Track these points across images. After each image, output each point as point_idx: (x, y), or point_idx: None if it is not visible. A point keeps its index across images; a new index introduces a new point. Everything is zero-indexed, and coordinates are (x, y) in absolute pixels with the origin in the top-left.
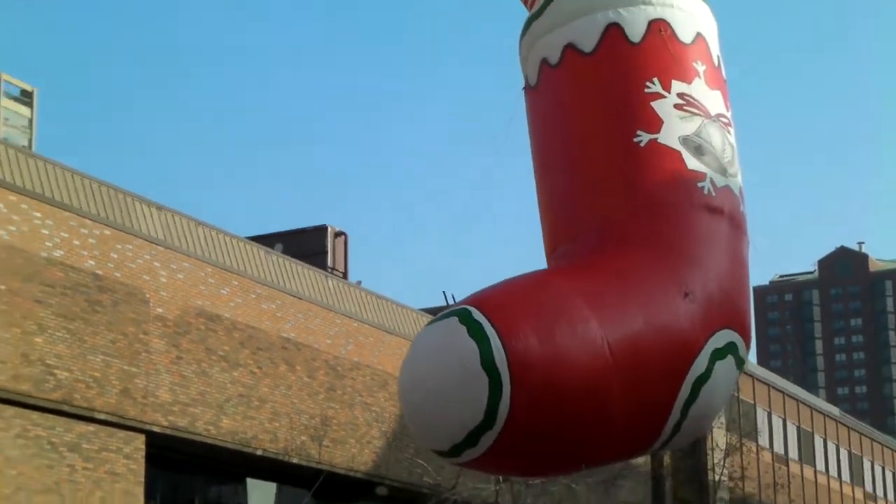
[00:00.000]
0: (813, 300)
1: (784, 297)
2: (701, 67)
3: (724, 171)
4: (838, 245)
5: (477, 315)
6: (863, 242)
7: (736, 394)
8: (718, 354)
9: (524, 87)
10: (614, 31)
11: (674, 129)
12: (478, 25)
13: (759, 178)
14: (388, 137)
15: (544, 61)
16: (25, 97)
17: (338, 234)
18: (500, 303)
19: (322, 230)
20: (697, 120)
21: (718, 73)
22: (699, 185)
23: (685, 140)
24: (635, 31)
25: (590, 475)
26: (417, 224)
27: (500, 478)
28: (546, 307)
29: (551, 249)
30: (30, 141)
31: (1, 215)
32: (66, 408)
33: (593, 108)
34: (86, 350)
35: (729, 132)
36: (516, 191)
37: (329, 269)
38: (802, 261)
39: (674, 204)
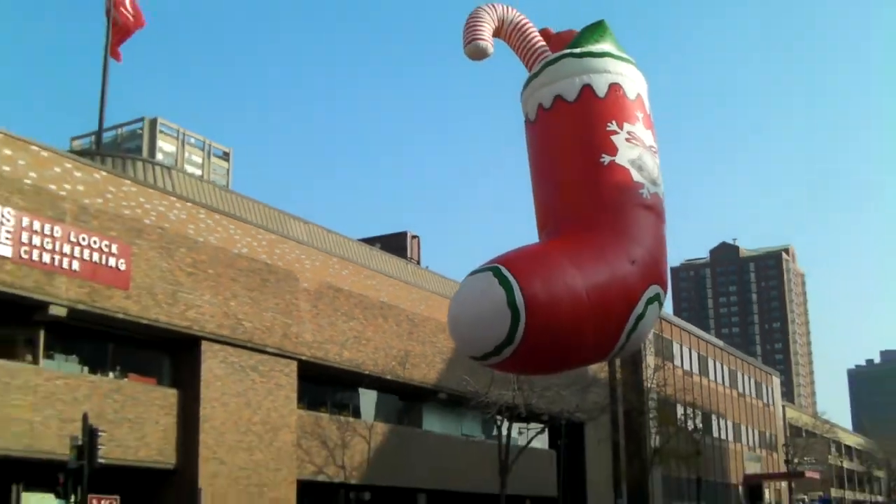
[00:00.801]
0: (706, 276)
1: (689, 273)
2: (640, 115)
3: (654, 183)
4: (721, 240)
5: (504, 271)
6: (736, 238)
7: (661, 334)
8: (650, 301)
9: (525, 122)
10: (587, 89)
11: (625, 154)
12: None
13: (676, 194)
14: (457, 164)
15: (540, 105)
16: (224, 156)
17: (413, 237)
18: (519, 263)
19: (404, 234)
20: (639, 149)
21: (650, 119)
22: (640, 191)
23: (632, 161)
24: (601, 90)
25: (572, 384)
26: (468, 228)
27: (516, 386)
28: (548, 267)
29: (541, 230)
30: (227, 183)
31: (210, 227)
32: (249, 344)
33: (573, 138)
34: (261, 309)
35: (656, 157)
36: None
37: (408, 259)
38: (699, 251)
39: (624, 203)
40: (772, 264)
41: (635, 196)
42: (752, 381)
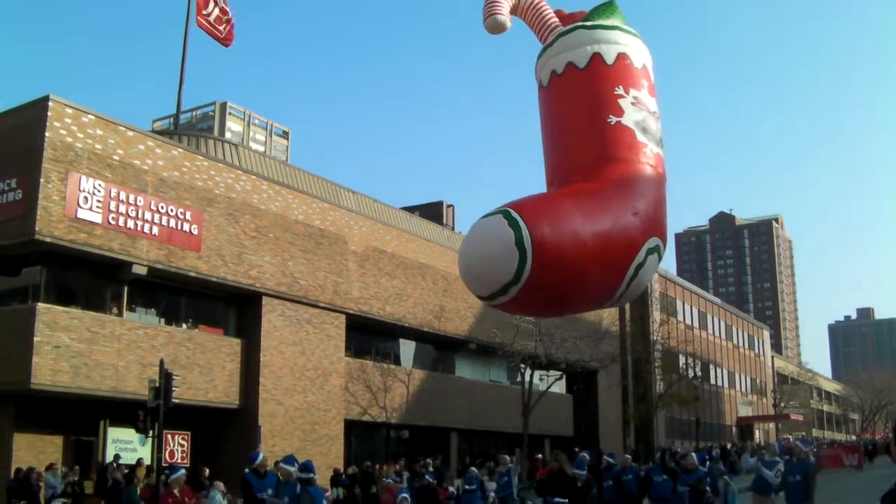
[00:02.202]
0: (706, 241)
1: (691, 239)
2: (645, 83)
3: (657, 144)
4: (719, 210)
5: (514, 214)
6: (732, 208)
7: (665, 292)
8: (650, 251)
9: (538, 88)
10: (597, 57)
11: (631, 116)
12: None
13: (680, 170)
14: (488, 140)
15: (553, 71)
16: (284, 135)
17: (449, 206)
18: (528, 207)
19: (440, 203)
20: (643, 112)
21: (654, 89)
22: (644, 150)
23: (636, 123)
24: (609, 58)
25: (587, 336)
26: (496, 197)
27: (538, 338)
28: (556, 212)
29: (549, 185)
30: (286, 158)
31: (271, 197)
32: (304, 300)
33: (584, 100)
34: (314, 269)
35: (659, 122)
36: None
37: (444, 225)
38: (699, 219)
39: (629, 160)
40: (763, 231)
41: (639, 154)
42: (746, 334)
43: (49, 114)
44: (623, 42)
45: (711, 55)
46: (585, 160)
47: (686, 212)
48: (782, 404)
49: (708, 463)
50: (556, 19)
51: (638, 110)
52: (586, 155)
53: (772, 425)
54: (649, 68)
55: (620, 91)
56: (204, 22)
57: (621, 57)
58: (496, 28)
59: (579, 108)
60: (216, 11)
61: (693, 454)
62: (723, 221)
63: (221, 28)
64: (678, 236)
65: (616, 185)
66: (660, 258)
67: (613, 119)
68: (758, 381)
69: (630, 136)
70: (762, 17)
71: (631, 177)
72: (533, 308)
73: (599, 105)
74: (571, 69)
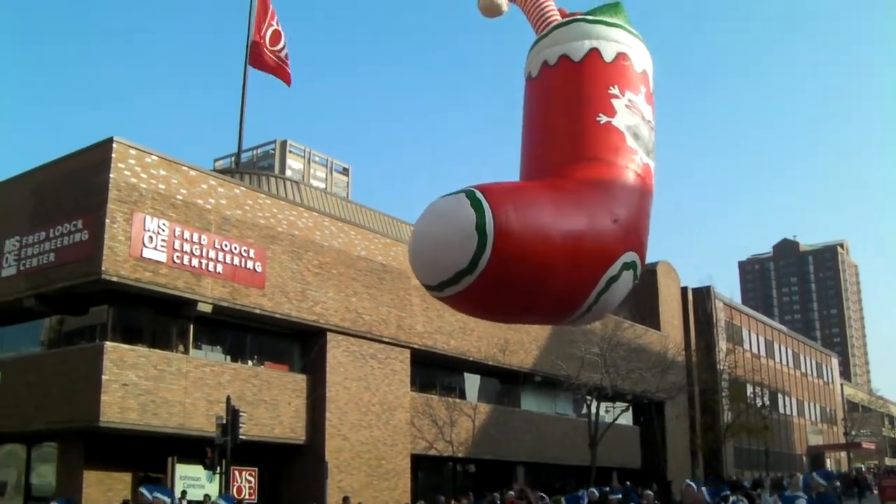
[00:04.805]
0: (770, 269)
1: (755, 267)
2: (643, 89)
3: (648, 154)
4: (782, 237)
5: (479, 195)
6: (796, 235)
7: (731, 321)
8: (626, 266)
9: (526, 80)
10: (594, 52)
11: (623, 119)
12: None
13: (743, 197)
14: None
15: (545, 62)
16: (344, 171)
17: None
18: (496, 190)
19: None
20: (637, 118)
21: (652, 97)
22: (633, 156)
23: (628, 127)
24: (608, 55)
25: (653, 367)
26: None
27: (604, 370)
28: (526, 200)
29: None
30: (347, 195)
31: (333, 233)
32: (368, 335)
33: (574, 95)
34: (378, 304)
35: (652, 131)
36: None
37: None
38: (763, 247)
39: (616, 163)
40: (828, 257)
41: (627, 160)
42: (813, 362)
43: (113, 155)
44: (625, 42)
45: (764, 78)
46: (565, 158)
47: (749, 239)
48: (853, 432)
49: (731, 499)
50: (555, 12)
51: (632, 114)
52: (567, 152)
53: (843, 454)
54: (649, 75)
55: (615, 91)
56: (272, 57)
57: (621, 56)
58: (490, 10)
59: (567, 103)
60: (282, 48)
61: (704, 490)
62: (786, 248)
63: (284, 63)
64: (742, 264)
65: (595, 187)
66: (635, 278)
67: (603, 118)
68: (827, 409)
69: (619, 139)
70: (817, 37)
71: (614, 180)
72: (485, 306)
73: (590, 101)
74: (565, 61)
